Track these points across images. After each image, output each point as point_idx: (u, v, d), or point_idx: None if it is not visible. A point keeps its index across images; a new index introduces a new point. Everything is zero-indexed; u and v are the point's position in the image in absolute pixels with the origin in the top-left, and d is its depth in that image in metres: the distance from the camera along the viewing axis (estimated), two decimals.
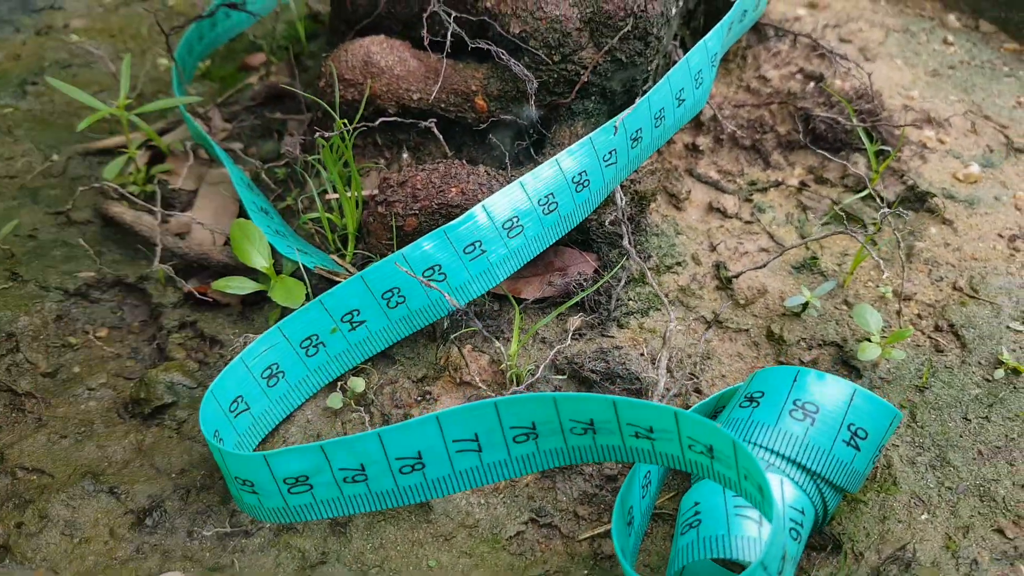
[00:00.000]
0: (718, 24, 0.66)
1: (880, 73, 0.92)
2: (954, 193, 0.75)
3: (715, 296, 0.65)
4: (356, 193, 0.62)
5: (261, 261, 0.59)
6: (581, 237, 0.63)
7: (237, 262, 0.62)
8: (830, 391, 0.47)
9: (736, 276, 0.64)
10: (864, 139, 0.74)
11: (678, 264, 0.66)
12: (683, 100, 0.64)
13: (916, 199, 0.74)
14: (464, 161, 0.61)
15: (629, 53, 0.60)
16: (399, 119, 0.62)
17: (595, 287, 0.60)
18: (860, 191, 0.74)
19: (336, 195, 0.64)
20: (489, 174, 0.60)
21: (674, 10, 0.62)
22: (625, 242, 0.57)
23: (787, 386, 0.47)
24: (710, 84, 0.67)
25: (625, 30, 0.58)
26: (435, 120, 0.63)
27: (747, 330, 0.63)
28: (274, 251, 0.61)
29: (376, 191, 0.62)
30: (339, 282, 0.57)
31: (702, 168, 0.74)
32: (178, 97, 0.72)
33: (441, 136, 0.64)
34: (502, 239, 0.55)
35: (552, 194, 0.57)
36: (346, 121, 0.60)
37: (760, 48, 0.85)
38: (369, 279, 0.55)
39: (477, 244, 0.55)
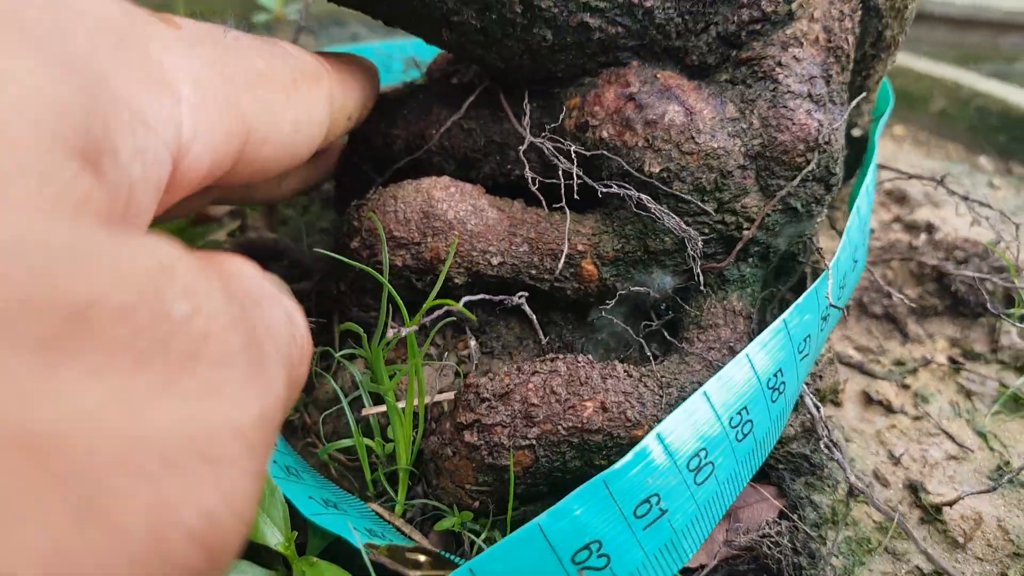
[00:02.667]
0: (868, 173, 0.51)
1: (961, 221, 0.81)
2: None
3: (922, 533, 0.46)
4: (420, 403, 0.40)
5: (275, 535, 0.36)
6: None
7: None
8: None
9: (950, 504, 0.46)
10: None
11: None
12: (856, 261, 0.48)
13: None
14: (590, 357, 0.40)
15: (806, 200, 0.43)
16: (486, 296, 0.42)
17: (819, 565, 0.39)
18: (1021, 366, 0.60)
19: (380, 409, 0.42)
20: (631, 375, 0.40)
21: (842, 141, 0.47)
22: (851, 477, 0.38)
23: None
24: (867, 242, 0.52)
25: (807, 169, 0.42)
26: (527, 294, 0.44)
27: None
28: (292, 509, 0.37)
29: (453, 404, 0.40)
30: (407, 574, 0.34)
31: (837, 346, 0.57)
32: None
33: (534, 316, 0.44)
34: (688, 487, 0.35)
35: (746, 409, 0.37)
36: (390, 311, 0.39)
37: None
38: (481, 571, 0.32)
39: (653, 500, 0.34)
